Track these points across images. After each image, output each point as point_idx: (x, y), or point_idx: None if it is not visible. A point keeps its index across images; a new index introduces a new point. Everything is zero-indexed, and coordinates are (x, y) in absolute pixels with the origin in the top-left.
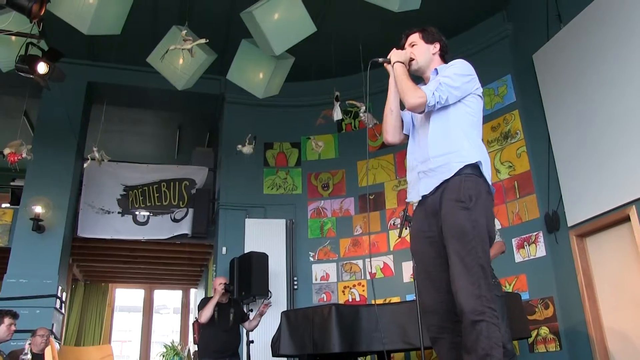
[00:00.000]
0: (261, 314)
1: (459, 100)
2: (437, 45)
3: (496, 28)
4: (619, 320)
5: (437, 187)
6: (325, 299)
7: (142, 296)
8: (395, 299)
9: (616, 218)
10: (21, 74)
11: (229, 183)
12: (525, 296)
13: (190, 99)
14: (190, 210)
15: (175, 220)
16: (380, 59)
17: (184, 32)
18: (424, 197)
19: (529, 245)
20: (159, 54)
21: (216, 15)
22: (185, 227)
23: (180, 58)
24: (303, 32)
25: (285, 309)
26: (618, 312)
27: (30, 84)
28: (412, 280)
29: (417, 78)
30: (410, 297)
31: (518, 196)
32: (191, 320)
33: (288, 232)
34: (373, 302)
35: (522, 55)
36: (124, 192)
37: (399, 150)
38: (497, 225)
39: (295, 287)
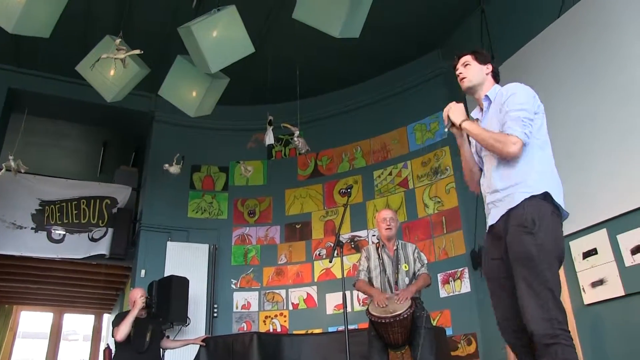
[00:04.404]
0: (188, 343)
1: None
2: (490, 67)
3: (431, 65)
4: None
5: (502, 216)
6: (245, 328)
7: (50, 321)
8: (317, 331)
9: None
10: None
11: (153, 204)
12: (449, 332)
13: (118, 115)
14: (110, 230)
15: (93, 240)
16: (447, 128)
17: (118, 40)
18: (491, 225)
19: (454, 281)
20: (89, 63)
21: (152, 31)
22: (103, 247)
23: (111, 68)
24: (241, 52)
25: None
26: None
27: None
28: (335, 311)
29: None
30: (333, 329)
31: (445, 231)
32: (102, 347)
33: (211, 258)
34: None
35: (456, 93)
36: (40, 207)
37: (328, 180)
38: (425, 259)
39: (215, 314)
